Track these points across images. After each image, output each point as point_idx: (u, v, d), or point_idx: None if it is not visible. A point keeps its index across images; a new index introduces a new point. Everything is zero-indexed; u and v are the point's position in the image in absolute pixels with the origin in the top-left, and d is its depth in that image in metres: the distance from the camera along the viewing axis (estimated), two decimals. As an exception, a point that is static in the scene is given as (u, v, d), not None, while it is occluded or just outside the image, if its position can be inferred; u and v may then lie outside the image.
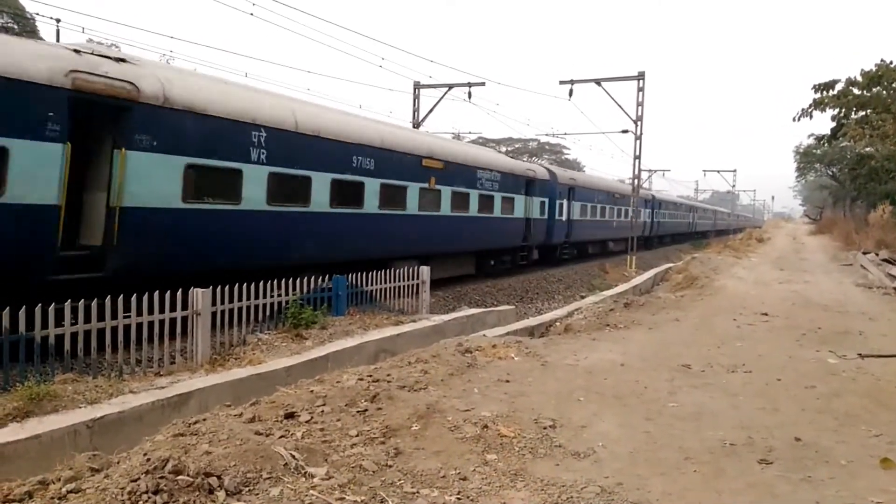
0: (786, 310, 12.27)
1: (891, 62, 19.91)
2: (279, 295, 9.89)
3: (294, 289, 10.06)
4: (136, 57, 10.68)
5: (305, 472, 3.85)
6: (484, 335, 9.21)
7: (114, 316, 7.40)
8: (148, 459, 3.63)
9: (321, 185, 13.18)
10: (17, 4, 30.63)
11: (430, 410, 5.06)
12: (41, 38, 24.69)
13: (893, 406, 5.99)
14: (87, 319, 7.20)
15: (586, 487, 3.95)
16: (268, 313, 9.69)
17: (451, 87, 28.19)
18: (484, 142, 63.06)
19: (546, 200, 25.79)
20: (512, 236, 23.26)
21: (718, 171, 76.27)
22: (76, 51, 9.27)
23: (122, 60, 9.82)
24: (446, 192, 18.15)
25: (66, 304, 6.99)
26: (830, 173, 55.55)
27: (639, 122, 29.17)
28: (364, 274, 11.75)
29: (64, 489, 3.54)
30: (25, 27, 29.10)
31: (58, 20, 18.40)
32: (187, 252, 10.58)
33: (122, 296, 7.50)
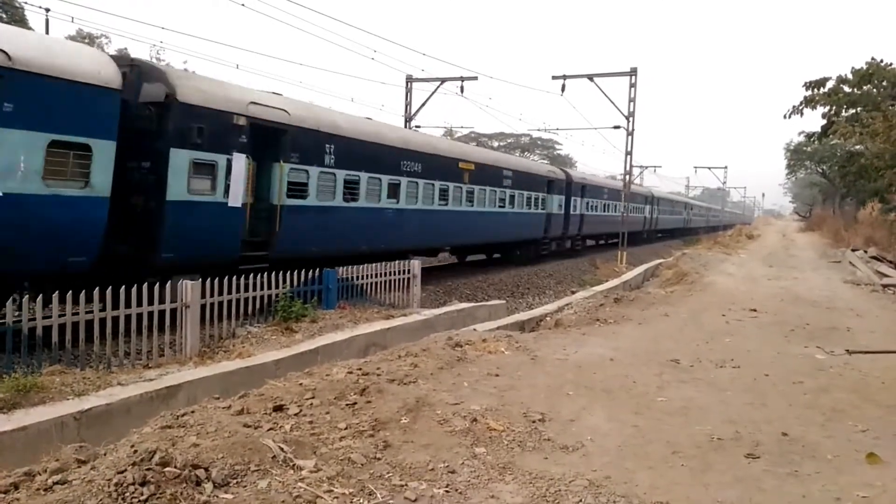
0: (774, 306, 12.34)
1: (881, 60, 20.01)
2: (269, 288, 9.86)
3: (284, 282, 10.04)
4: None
5: (294, 465, 3.84)
6: (474, 329, 9.22)
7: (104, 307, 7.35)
8: (135, 451, 3.60)
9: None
10: (6, -7, 30.22)
11: (419, 404, 5.06)
12: (31, 28, 24.41)
13: (880, 402, 6.05)
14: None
15: (574, 481, 3.96)
16: (258, 306, 9.66)
17: (443, 80, 28.09)
18: (476, 136, 62.98)
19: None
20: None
21: (709, 168, 76.63)
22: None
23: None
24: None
25: (53, 294, 6.95)
26: (820, 171, 55.72)
27: (631, 118, 29.19)
28: (355, 267, 11.74)
29: (50, 480, 3.51)
30: (14, 16, 28.75)
31: (47, 10, 18.21)
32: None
33: (110, 287, 7.46)
